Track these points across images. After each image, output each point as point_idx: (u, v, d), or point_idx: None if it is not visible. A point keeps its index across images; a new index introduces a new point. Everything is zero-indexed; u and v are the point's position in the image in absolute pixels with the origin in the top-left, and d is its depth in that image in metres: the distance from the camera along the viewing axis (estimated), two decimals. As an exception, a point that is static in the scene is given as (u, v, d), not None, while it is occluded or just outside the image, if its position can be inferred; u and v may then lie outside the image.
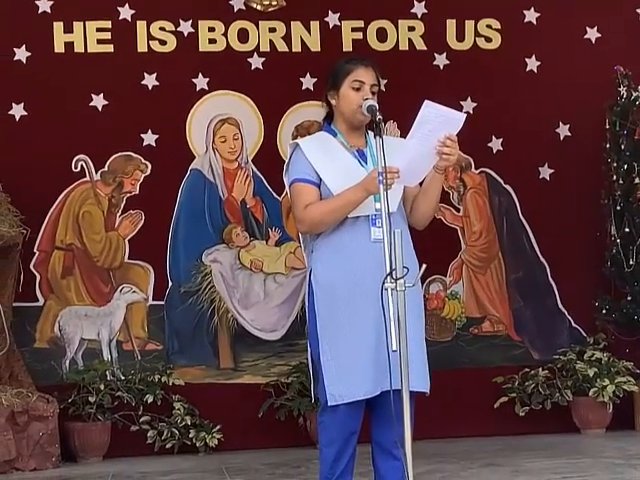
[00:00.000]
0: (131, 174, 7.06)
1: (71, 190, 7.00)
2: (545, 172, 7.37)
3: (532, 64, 7.36)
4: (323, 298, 4.00)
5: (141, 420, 6.76)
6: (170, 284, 7.04)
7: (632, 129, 7.01)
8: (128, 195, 7.06)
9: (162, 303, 7.04)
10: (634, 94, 7.06)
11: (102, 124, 6.95)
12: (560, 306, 7.32)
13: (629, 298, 7.02)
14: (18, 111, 6.92)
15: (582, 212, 7.21)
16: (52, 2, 6.93)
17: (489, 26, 7.36)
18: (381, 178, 3.76)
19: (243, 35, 7.16)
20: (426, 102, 3.81)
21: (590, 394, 6.86)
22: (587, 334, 7.24)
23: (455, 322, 7.26)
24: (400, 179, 3.87)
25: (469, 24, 7.33)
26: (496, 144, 7.34)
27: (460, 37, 7.32)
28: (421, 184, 4.08)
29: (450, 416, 6.88)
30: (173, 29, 7.10)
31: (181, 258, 7.07)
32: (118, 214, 7.05)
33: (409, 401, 3.64)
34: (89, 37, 6.99)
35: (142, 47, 7.06)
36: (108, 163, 7.03)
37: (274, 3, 7.16)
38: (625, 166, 7.01)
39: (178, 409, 6.77)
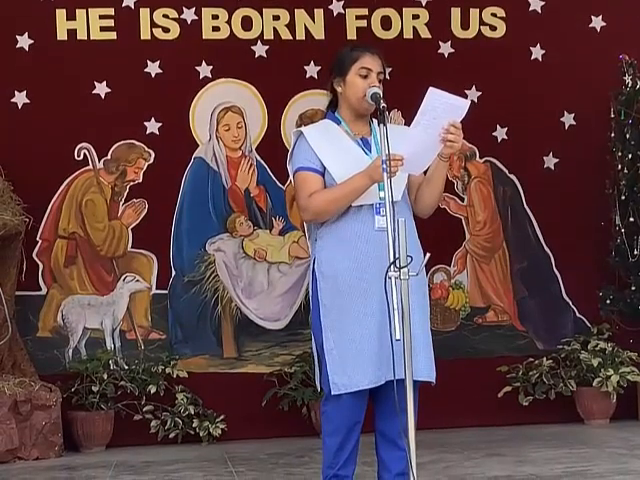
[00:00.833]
0: (134, 162, 7.04)
1: (74, 178, 6.99)
2: (550, 161, 7.35)
3: (537, 53, 7.34)
4: (327, 287, 3.99)
5: (144, 410, 6.76)
6: (173, 273, 7.03)
7: (637, 118, 6.99)
8: (131, 183, 7.05)
9: (165, 292, 7.03)
10: (639, 83, 7.03)
11: (105, 112, 6.94)
12: (564, 296, 7.31)
13: (633, 288, 7.01)
14: (21, 99, 6.91)
15: (586, 202, 7.18)
16: (55, -11, 6.93)
17: (494, 14, 7.33)
18: (385, 166, 3.74)
19: (247, 23, 7.14)
20: (431, 89, 3.79)
21: (594, 384, 6.85)
22: (591, 324, 7.22)
23: (459, 312, 7.25)
24: (404, 167, 3.85)
25: (474, 12, 7.31)
26: (501, 133, 7.32)
27: (465, 25, 7.30)
28: (426, 173, 4.06)
29: (454, 406, 6.87)
30: (176, 16, 7.08)
31: (184, 247, 7.06)
32: (121, 203, 7.03)
33: (413, 391, 3.62)
34: (92, 24, 6.97)
35: (145, 34, 7.05)
36: (111, 151, 7.01)
37: (278, -10, 7.14)
38: (630, 155, 6.99)
39: (181, 399, 6.77)
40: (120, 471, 5.83)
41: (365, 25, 7.19)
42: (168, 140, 7.02)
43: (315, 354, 4.10)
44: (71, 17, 6.95)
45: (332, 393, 3.94)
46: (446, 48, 7.28)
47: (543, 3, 7.35)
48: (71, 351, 6.91)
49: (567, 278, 7.29)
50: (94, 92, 6.98)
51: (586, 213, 7.18)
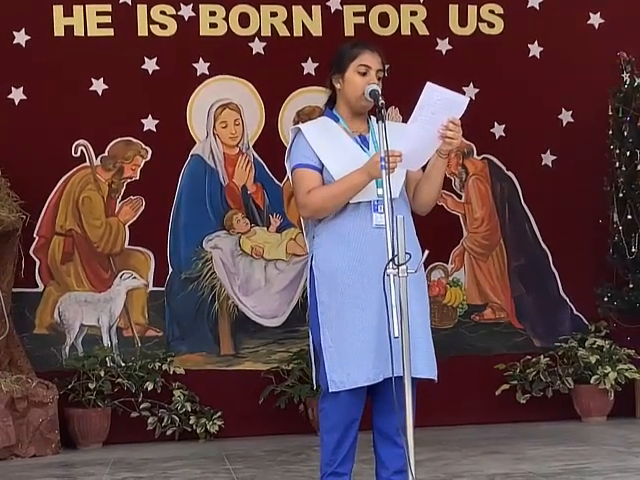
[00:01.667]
0: (131, 159, 7.03)
1: (71, 175, 6.98)
2: (547, 158, 7.35)
3: (535, 50, 7.33)
4: (324, 284, 3.97)
5: (141, 407, 6.76)
6: (170, 270, 7.03)
7: (635, 115, 6.98)
8: (128, 181, 7.04)
9: (162, 289, 7.02)
10: (637, 80, 7.03)
11: (102, 109, 6.93)
12: (562, 293, 7.31)
13: (631, 285, 7.00)
14: (17, 95, 6.89)
15: (584, 199, 7.18)
16: (52, -15, 6.91)
17: (492, 11, 7.33)
18: (383, 163, 3.73)
19: (244, 19, 7.13)
20: (428, 84, 3.77)
21: (592, 382, 6.84)
22: (589, 322, 7.22)
23: (457, 309, 7.25)
24: (403, 163, 3.84)
25: (472, 9, 7.30)
26: (498, 130, 7.31)
27: (463, 22, 7.29)
28: (424, 170, 4.05)
29: (452, 403, 6.87)
30: (174, 13, 7.07)
31: (182, 244, 7.05)
32: (118, 200, 7.03)
33: (411, 388, 3.62)
34: (89, 21, 6.96)
35: (142, 31, 7.03)
36: (108, 148, 7.00)
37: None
38: (628, 153, 6.98)
39: (178, 396, 6.76)
40: (117, 468, 5.82)
41: (363, 22, 7.18)
42: (165, 137, 7.01)
43: (312, 351, 4.09)
44: (68, 13, 6.93)
45: (330, 390, 3.93)
46: (444, 45, 7.27)
47: (541, 0, 7.34)
48: (68, 348, 6.90)
49: (564, 275, 7.29)
50: (91, 89, 6.97)
51: (584, 210, 7.17)
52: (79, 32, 6.96)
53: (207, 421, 6.74)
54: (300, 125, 4.14)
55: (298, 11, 7.16)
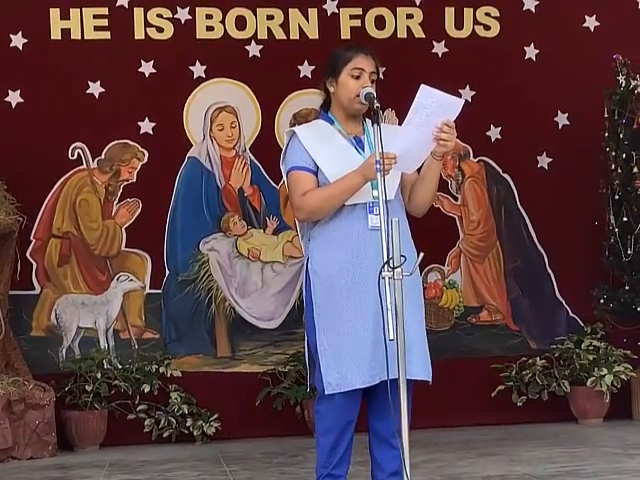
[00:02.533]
0: (128, 162, 7.04)
1: (68, 178, 6.98)
2: (543, 161, 7.36)
3: (531, 52, 7.34)
4: (320, 286, 3.98)
5: (138, 409, 6.76)
6: (167, 273, 7.03)
7: (631, 118, 6.99)
8: (125, 183, 7.04)
9: (159, 292, 7.03)
10: (633, 83, 7.03)
11: (99, 112, 6.93)
12: (558, 295, 7.32)
13: (627, 287, 7.01)
14: (14, 98, 6.90)
15: (580, 201, 7.19)
16: (49, -12, 6.92)
17: (488, 14, 7.34)
18: (378, 166, 3.74)
19: (241, 22, 7.13)
20: (422, 86, 3.78)
21: (588, 384, 6.85)
22: (585, 323, 7.23)
23: (453, 311, 7.25)
24: (398, 165, 3.85)
25: (468, 12, 7.31)
26: (494, 133, 7.33)
27: (459, 25, 7.30)
28: (419, 172, 4.06)
29: (448, 405, 6.87)
30: (170, 16, 7.08)
31: (178, 247, 7.05)
32: (115, 202, 7.03)
33: (407, 390, 3.62)
34: (86, 24, 6.97)
35: (139, 34, 7.04)
36: (105, 151, 7.01)
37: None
38: (624, 155, 6.99)
39: (175, 398, 6.76)
40: (114, 470, 5.83)
41: (359, 25, 7.19)
42: (162, 140, 7.02)
43: (308, 353, 4.10)
44: (65, 16, 6.94)
45: (326, 392, 3.93)
46: (440, 48, 7.28)
47: (537, 3, 7.36)
48: (65, 350, 6.90)
49: (561, 277, 7.30)
50: (88, 92, 6.97)
51: (580, 213, 7.18)
52: (76, 35, 6.97)
53: (204, 423, 6.74)
54: (295, 128, 4.15)
55: (294, 14, 7.17)
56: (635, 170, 6.96)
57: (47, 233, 6.93)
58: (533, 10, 7.37)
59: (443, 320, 7.23)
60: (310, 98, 6.67)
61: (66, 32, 6.96)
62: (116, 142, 7.01)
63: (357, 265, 3.94)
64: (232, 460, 6.01)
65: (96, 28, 6.98)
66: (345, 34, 7.18)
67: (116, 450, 6.56)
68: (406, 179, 4.07)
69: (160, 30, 7.07)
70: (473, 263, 7.31)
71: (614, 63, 7.05)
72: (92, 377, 6.66)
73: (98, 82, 6.97)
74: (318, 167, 4.01)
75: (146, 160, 7.05)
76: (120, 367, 6.83)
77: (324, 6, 7.20)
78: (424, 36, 7.27)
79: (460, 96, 3.99)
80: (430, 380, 3.99)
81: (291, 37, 7.17)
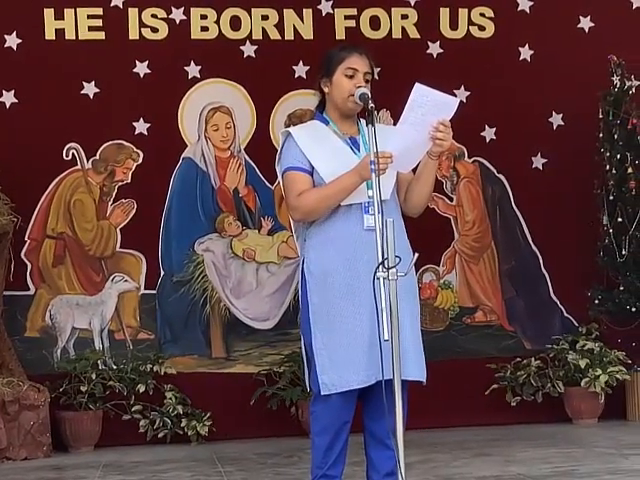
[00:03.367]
0: (123, 162, 7.04)
1: (62, 178, 6.98)
2: (538, 162, 7.37)
3: (525, 53, 7.35)
4: (316, 287, 3.98)
5: (133, 409, 6.75)
6: (162, 273, 7.03)
7: (625, 119, 7.00)
8: (120, 184, 7.04)
9: (154, 292, 7.02)
10: (627, 83, 7.05)
11: (93, 112, 6.93)
12: (552, 296, 7.33)
13: (621, 288, 7.01)
14: (8, 98, 6.89)
15: (575, 202, 7.19)
16: (43, -12, 6.91)
17: (482, 14, 7.35)
18: (373, 166, 3.74)
19: (235, 23, 7.13)
20: (417, 84, 3.79)
21: (582, 384, 6.86)
22: (579, 324, 7.23)
23: (448, 312, 7.26)
24: (393, 165, 3.85)
25: (462, 12, 7.32)
26: (489, 133, 7.33)
27: (453, 25, 7.30)
28: (415, 171, 4.06)
29: (442, 406, 6.87)
30: (165, 16, 7.07)
31: (173, 247, 7.05)
32: (110, 203, 7.03)
33: (402, 391, 3.63)
34: (80, 24, 6.96)
35: (134, 34, 7.04)
36: (100, 151, 7.00)
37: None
38: (618, 156, 7.00)
39: (170, 398, 6.76)
40: (109, 471, 5.82)
41: (354, 25, 7.19)
42: (157, 140, 7.01)
43: (304, 354, 4.10)
44: (59, 17, 6.93)
45: (321, 393, 3.93)
46: (435, 48, 7.28)
47: (531, 3, 7.37)
48: (59, 351, 6.89)
49: (555, 278, 7.31)
50: (83, 92, 6.96)
51: (574, 213, 7.19)
52: (70, 35, 6.96)
53: (199, 424, 6.74)
54: (290, 128, 4.15)
55: (289, 14, 7.17)
56: (629, 171, 6.97)
57: (42, 234, 6.93)
58: (528, 11, 7.38)
59: (438, 321, 7.23)
60: (305, 98, 6.69)
61: (60, 32, 6.95)
62: (111, 142, 7.01)
63: (352, 265, 3.94)
64: (227, 461, 6.00)
65: (90, 28, 6.98)
66: (340, 34, 7.18)
67: (111, 451, 6.55)
68: (402, 179, 4.07)
69: (155, 30, 7.07)
70: (468, 264, 7.32)
71: (608, 64, 7.06)
72: (87, 378, 6.65)
73: (93, 82, 6.96)
74: (313, 167, 4.01)
75: (141, 161, 7.04)
76: (115, 367, 6.83)
77: (319, 6, 7.20)
78: (419, 36, 7.28)
79: (455, 96, 4.00)
80: (425, 381, 3.99)
81: (286, 37, 7.17)
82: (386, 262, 3.57)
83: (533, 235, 7.34)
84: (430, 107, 3.80)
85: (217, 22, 7.12)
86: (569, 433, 6.62)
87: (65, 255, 6.96)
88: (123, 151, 7.03)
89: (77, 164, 6.99)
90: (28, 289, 6.88)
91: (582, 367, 6.84)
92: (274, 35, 7.16)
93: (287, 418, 6.81)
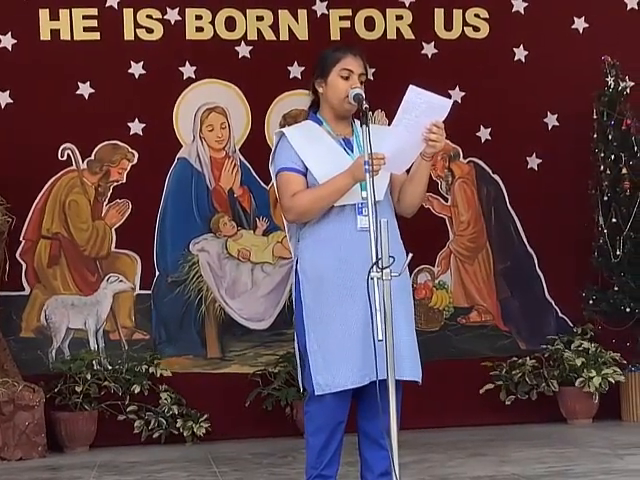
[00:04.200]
0: (118, 163, 7.04)
1: (57, 179, 6.98)
2: (533, 162, 7.38)
3: (520, 54, 7.36)
4: (310, 287, 3.98)
5: (128, 410, 6.75)
6: (157, 274, 7.03)
7: (619, 119, 7.01)
8: (115, 184, 7.04)
9: (149, 293, 7.02)
10: (622, 84, 7.06)
11: (89, 112, 6.93)
12: (547, 296, 7.34)
13: (616, 288, 7.02)
14: (3, 99, 6.89)
15: (569, 202, 7.21)
16: (38, -11, 6.91)
17: (477, 15, 7.36)
18: (367, 167, 3.74)
19: (230, 23, 7.14)
20: (411, 86, 3.79)
21: (577, 384, 6.86)
22: (574, 324, 7.24)
23: (443, 312, 7.27)
24: (387, 166, 3.85)
25: (457, 13, 7.32)
26: (484, 134, 7.34)
27: (448, 26, 7.31)
28: (408, 172, 4.07)
29: (437, 406, 6.88)
30: (160, 17, 7.08)
31: (168, 247, 7.05)
32: (105, 203, 7.03)
33: (396, 391, 3.63)
34: (75, 24, 6.96)
35: (129, 35, 7.04)
36: (95, 152, 7.01)
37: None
38: (612, 156, 7.01)
39: (165, 399, 6.76)
40: (104, 471, 5.82)
41: (349, 26, 7.20)
42: (152, 140, 7.01)
43: (298, 354, 4.10)
44: (54, 17, 6.94)
45: (316, 393, 3.93)
46: (429, 49, 7.29)
47: (526, 4, 7.38)
48: (54, 351, 6.89)
49: (550, 278, 7.32)
50: (78, 92, 6.97)
51: (569, 213, 7.20)
52: (65, 36, 6.96)
53: (194, 424, 6.74)
54: (284, 129, 4.15)
55: (284, 15, 7.17)
56: (624, 171, 6.98)
57: (37, 234, 6.93)
58: (522, 12, 7.39)
59: (433, 321, 7.24)
60: (300, 99, 6.68)
61: (55, 33, 6.95)
62: (106, 143, 7.01)
63: (346, 266, 3.93)
64: (222, 461, 6.01)
65: (86, 29, 6.98)
66: (335, 35, 7.19)
67: (106, 451, 6.55)
68: (395, 180, 4.08)
69: (150, 31, 7.07)
70: (463, 264, 7.33)
71: (603, 64, 7.07)
72: (82, 378, 6.65)
73: (88, 83, 6.96)
74: (307, 168, 4.01)
75: (136, 161, 7.04)
76: (110, 368, 6.83)
77: (314, 7, 7.21)
78: (413, 37, 7.29)
79: (450, 97, 4.00)
80: (420, 381, 4.00)
81: (281, 38, 7.17)
82: (380, 262, 3.58)
83: (528, 235, 7.35)
84: (424, 109, 3.81)
85: (212, 23, 7.12)
86: (564, 433, 6.63)
87: (60, 255, 6.96)
88: (118, 151, 7.04)
89: (72, 164, 6.99)
90: (23, 289, 6.88)
91: (577, 366, 6.85)
92: (269, 36, 7.17)
93: (282, 418, 6.81)
